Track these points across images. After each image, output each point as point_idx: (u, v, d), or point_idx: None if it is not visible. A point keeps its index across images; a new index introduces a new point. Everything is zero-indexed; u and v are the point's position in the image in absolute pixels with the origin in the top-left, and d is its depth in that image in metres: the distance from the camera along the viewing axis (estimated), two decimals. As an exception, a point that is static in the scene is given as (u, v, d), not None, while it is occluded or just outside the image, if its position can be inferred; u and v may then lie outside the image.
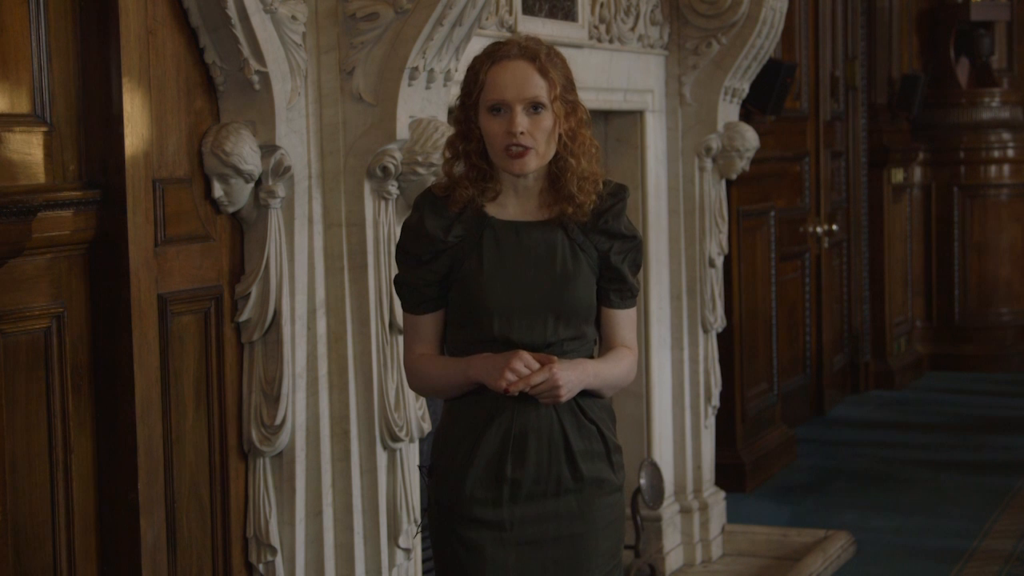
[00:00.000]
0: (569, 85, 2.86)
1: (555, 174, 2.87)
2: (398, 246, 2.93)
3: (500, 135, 2.80)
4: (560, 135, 2.84)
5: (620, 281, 2.94)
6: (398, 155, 3.64)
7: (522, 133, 2.78)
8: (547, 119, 2.81)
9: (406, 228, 2.91)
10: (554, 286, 2.85)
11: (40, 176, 3.06)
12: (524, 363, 2.77)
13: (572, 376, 2.81)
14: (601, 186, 2.90)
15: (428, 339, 2.94)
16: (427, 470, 2.98)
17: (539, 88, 2.80)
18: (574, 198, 2.85)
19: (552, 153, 2.84)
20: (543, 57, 2.82)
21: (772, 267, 7.49)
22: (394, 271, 3.15)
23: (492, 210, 2.88)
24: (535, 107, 2.80)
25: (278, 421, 3.52)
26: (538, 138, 2.80)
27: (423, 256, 2.87)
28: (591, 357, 2.94)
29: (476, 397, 2.87)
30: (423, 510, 3.79)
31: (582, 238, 2.89)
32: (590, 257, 2.90)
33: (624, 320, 2.97)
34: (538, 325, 2.84)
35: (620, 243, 2.92)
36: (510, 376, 2.76)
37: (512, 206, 2.89)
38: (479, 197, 2.86)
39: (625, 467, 3.01)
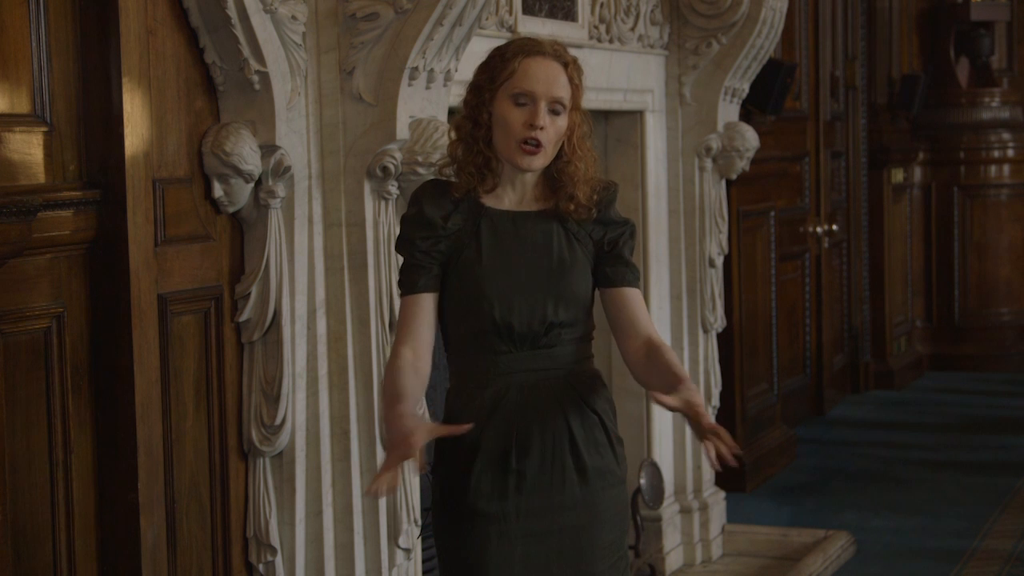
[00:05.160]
0: (582, 97, 2.93)
1: (552, 174, 2.91)
2: (398, 238, 2.95)
3: (518, 126, 2.83)
4: (568, 139, 2.89)
5: (624, 262, 2.97)
6: (398, 155, 3.64)
7: (542, 129, 2.82)
8: (563, 122, 2.87)
9: (405, 220, 2.94)
10: (552, 273, 2.89)
11: (40, 176, 3.06)
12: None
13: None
14: (599, 187, 2.96)
15: (416, 331, 2.91)
16: (429, 467, 2.98)
17: (565, 91, 2.87)
18: (574, 199, 2.91)
19: (554, 155, 2.89)
20: (572, 65, 2.91)
21: (772, 267, 7.49)
22: (394, 271, 3.15)
23: (488, 201, 2.93)
24: (556, 109, 2.86)
25: (278, 421, 3.52)
26: (551, 138, 2.86)
27: (425, 239, 2.89)
28: (590, 352, 2.97)
29: (477, 391, 2.89)
30: (423, 510, 3.79)
31: (576, 227, 2.94)
32: (585, 247, 2.94)
33: (641, 301, 2.99)
34: (538, 310, 2.87)
35: (614, 228, 2.97)
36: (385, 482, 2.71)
37: (508, 197, 2.93)
38: (479, 185, 2.89)
39: (627, 460, 3.03)
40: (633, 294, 2.97)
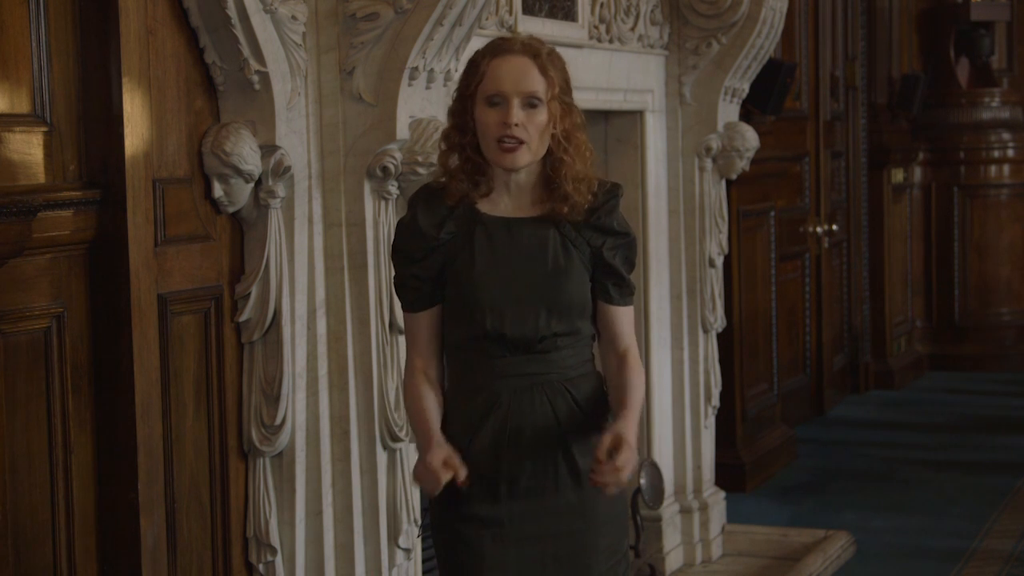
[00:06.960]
0: (566, 87, 2.89)
1: (548, 174, 2.89)
2: (392, 246, 2.95)
3: (494, 126, 2.81)
4: (555, 135, 2.86)
5: (617, 276, 2.94)
6: (398, 155, 3.64)
7: (516, 125, 2.80)
8: (542, 115, 2.83)
9: (400, 227, 2.93)
10: (546, 281, 2.86)
11: (40, 176, 3.06)
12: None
13: (633, 436, 2.79)
14: (596, 186, 2.92)
15: (424, 344, 2.94)
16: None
17: (537, 83, 2.83)
18: (568, 198, 2.87)
19: (544, 151, 2.86)
20: (544, 56, 2.86)
21: (772, 267, 7.49)
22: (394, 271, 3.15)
23: (484, 207, 2.90)
24: (531, 103, 2.82)
25: (278, 421, 3.52)
26: (532, 132, 2.82)
27: (416, 254, 2.89)
28: (590, 354, 2.95)
29: (470, 395, 2.88)
30: (423, 510, 3.80)
31: (574, 234, 2.90)
32: (582, 253, 2.91)
33: (626, 318, 2.98)
34: (530, 319, 2.85)
35: (613, 239, 2.93)
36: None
37: (504, 203, 2.91)
38: (472, 192, 2.88)
39: None
40: (621, 313, 2.96)
